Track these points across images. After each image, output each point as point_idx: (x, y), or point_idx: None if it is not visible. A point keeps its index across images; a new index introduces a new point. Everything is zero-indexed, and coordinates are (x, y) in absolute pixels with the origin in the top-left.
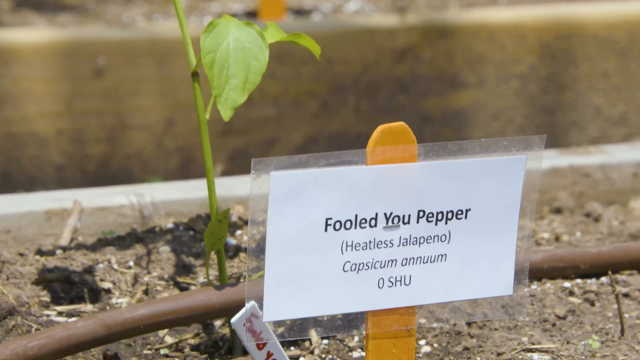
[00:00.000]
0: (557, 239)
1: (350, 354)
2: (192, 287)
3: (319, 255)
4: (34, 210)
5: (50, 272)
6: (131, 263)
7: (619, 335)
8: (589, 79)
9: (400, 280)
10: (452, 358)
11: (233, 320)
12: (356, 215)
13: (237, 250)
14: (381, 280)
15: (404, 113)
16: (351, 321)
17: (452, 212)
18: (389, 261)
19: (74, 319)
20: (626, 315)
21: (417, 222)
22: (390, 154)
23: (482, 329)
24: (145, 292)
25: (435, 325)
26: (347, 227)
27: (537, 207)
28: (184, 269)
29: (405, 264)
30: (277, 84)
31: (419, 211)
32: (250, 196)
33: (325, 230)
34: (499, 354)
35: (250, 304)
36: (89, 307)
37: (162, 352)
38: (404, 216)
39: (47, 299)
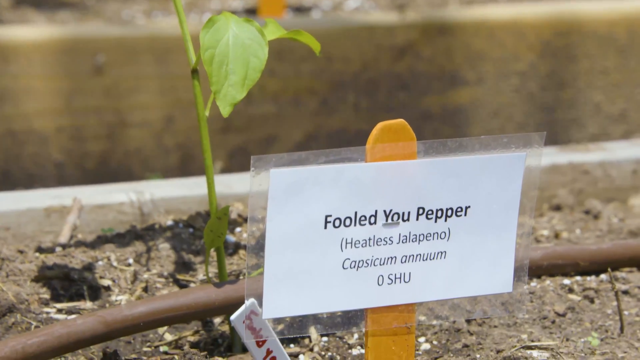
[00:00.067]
0: (556, 236)
1: (349, 351)
2: (192, 285)
3: (318, 253)
4: (34, 208)
5: (49, 269)
6: (131, 260)
7: (619, 332)
8: (589, 76)
9: (400, 278)
10: (451, 355)
11: (232, 317)
12: (356, 213)
13: (237, 247)
14: (381, 278)
15: (403, 110)
16: (351, 318)
17: (451, 209)
18: (388, 258)
19: (73, 316)
20: (626, 312)
21: (417, 219)
22: (389, 151)
23: (482, 326)
24: (145, 289)
25: (434, 322)
26: (347, 224)
27: (537, 205)
28: (183, 266)
29: (405, 261)
30: (276, 81)
31: (418, 208)
32: (249, 193)
33: (325, 227)
34: (498, 351)
35: (249, 301)
36: (88, 304)
37: (161, 349)
38: (403, 213)
39: (46, 296)
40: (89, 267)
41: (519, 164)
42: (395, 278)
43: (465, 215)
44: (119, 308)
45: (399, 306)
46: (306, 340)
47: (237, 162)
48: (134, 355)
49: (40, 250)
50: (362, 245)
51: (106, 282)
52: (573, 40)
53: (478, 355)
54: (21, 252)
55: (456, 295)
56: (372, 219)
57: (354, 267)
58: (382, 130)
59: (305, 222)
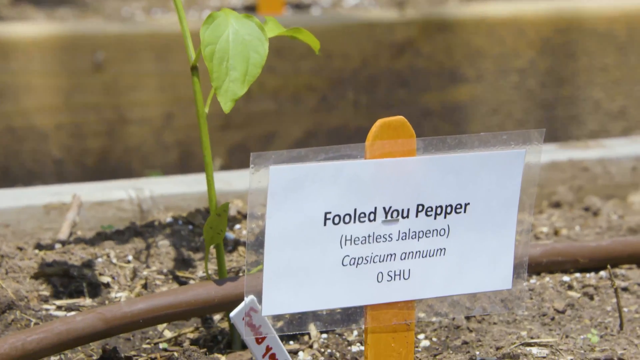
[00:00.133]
0: (556, 233)
1: (349, 348)
2: (191, 282)
3: (318, 250)
4: (33, 205)
5: (49, 266)
6: (130, 257)
7: (618, 329)
8: (588, 73)
9: (399, 275)
10: (451, 352)
11: (232, 314)
12: (355, 210)
13: (236, 244)
14: (380, 275)
15: (403, 107)
16: (350, 315)
17: (451, 206)
18: (387, 255)
19: (73, 313)
20: (625, 309)
21: (416, 216)
22: (389, 148)
23: (481, 323)
24: (144, 286)
25: (434, 319)
26: (346, 221)
27: (536, 201)
28: (183, 263)
29: (404, 258)
30: (276, 78)
31: (418, 205)
32: (249, 190)
33: (324, 224)
34: (497, 348)
35: (249, 298)
36: (88, 301)
37: (161, 346)
38: (403, 210)
39: (46, 293)
40: (89, 264)
41: (518, 161)
42: (395, 275)
43: (464, 212)
44: (118, 305)
45: (398, 303)
46: (306, 337)
47: (237, 159)
48: (133, 352)
49: (39, 247)
50: (361, 242)
51: (106, 279)
52: (573, 37)
53: (477, 352)
54: (20, 249)
55: (455, 292)
56: (372, 216)
57: (354, 264)
58: (382, 127)
59: (304, 219)
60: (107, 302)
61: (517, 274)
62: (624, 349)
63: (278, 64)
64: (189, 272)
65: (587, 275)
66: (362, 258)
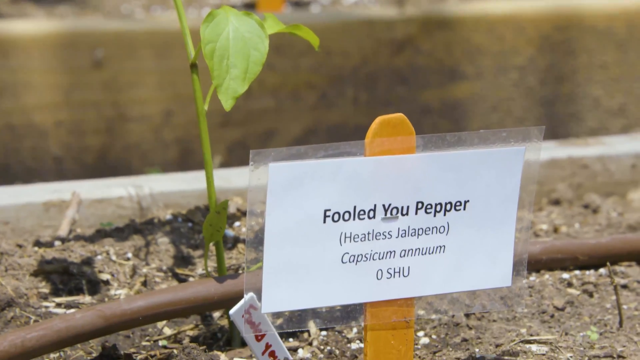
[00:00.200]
0: (555, 230)
1: (348, 345)
2: (191, 279)
3: (317, 247)
4: (33, 202)
5: (48, 263)
6: (130, 254)
7: (618, 326)
8: (588, 70)
9: (399, 272)
10: (450, 349)
11: (232, 311)
12: (355, 207)
13: (236, 241)
14: (380, 272)
15: (402, 104)
16: (350, 312)
17: (450, 203)
18: (387, 252)
19: (72, 310)
20: (624, 306)
21: (416, 213)
22: (388, 146)
23: (481, 320)
24: (144, 283)
25: (433, 316)
26: (346, 218)
27: (536, 199)
28: (182, 260)
29: (404, 256)
30: (275, 75)
31: (417, 202)
32: (248, 187)
33: (324, 221)
34: (497, 346)
35: (248, 296)
36: (87, 298)
37: (160, 343)
38: (402, 207)
39: (45, 290)
40: (88, 262)
41: (518, 158)
42: (394, 272)
43: (464, 209)
44: (118, 302)
45: (397, 300)
46: (305, 335)
47: (236, 157)
48: (133, 350)
49: (39, 244)
50: (361, 240)
51: (105, 277)
52: (572, 35)
53: (477, 350)
54: (20, 246)
55: (455, 290)
56: (371, 213)
57: (353, 261)
58: (381, 124)
59: (304, 216)
60: (106, 299)
61: (517, 271)
62: (624, 346)
63: (277, 62)
64: (189, 269)
65: (587, 272)
66: (362, 255)
